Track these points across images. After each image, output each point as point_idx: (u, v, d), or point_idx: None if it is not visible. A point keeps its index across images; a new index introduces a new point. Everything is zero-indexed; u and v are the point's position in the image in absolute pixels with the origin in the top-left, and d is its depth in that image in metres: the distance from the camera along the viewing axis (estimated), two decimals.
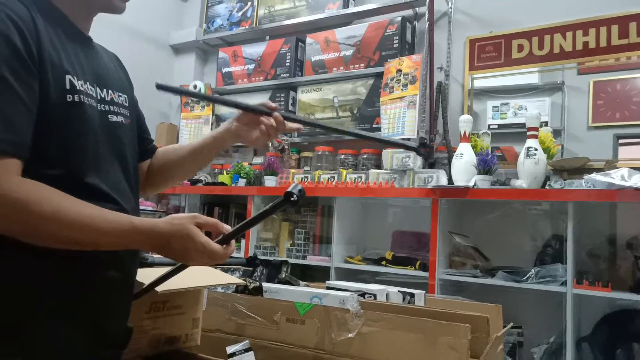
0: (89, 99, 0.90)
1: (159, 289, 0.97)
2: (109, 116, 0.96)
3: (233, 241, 0.93)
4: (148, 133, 1.18)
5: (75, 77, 0.87)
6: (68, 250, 0.83)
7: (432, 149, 1.01)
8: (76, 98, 0.86)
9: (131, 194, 0.99)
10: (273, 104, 1.14)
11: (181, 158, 1.16)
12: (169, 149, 1.20)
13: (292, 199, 0.87)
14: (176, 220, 0.87)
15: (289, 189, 0.87)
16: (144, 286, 1.00)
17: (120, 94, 1.01)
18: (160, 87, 1.03)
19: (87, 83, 0.91)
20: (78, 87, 0.87)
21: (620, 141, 2.44)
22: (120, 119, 0.99)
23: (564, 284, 2.11)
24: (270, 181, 3.04)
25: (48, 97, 0.82)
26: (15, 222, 0.77)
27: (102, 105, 0.95)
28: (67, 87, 0.85)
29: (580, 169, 2.25)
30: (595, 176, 2.07)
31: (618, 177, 2.01)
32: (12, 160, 0.77)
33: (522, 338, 2.35)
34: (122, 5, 0.99)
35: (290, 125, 1.14)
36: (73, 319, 0.86)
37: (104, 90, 0.96)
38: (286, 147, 3.18)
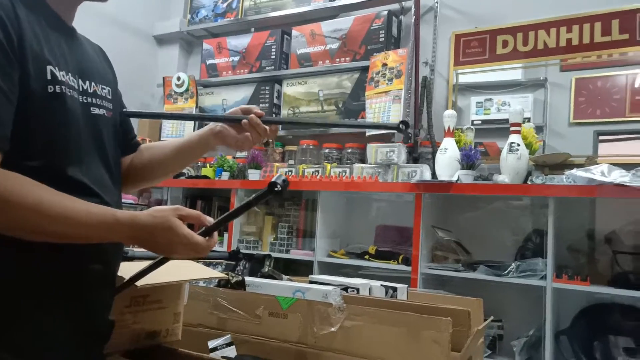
0: (71, 90, 0.88)
1: (139, 283, 0.96)
2: (91, 108, 0.94)
3: (216, 233, 0.92)
4: (131, 127, 1.16)
5: (56, 68, 0.86)
6: (51, 244, 0.81)
7: (412, 130, 1.02)
8: (57, 89, 0.85)
9: (113, 187, 0.98)
10: (251, 107, 1.11)
11: (165, 156, 1.14)
12: (152, 147, 1.17)
13: (275, 189, 0.86)
14: (158, 212, 0.86)
15: (273, 179, 0.87)
16: (125, 280, 0.98)
17: (103, 86, 0.99)
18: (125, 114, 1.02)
19: (69, 74, 0.89)
20: (59, 78, 0.86)
21: (601, 137, 2.48)
22: (102, 111, 0.97)
23: (543, 278, 2.14)
24: (254, 175, 3.02)
25: (28, 87, 0.81)
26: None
27: (84, 97, 0.93)
28: (49, 77, 0.84)
29: (562, 164, 2.28)
30: (576, 172, 2.10)
31: (598, 172, 2.04)
32: None
33: (503, 331, 2.38)
34: None
35: (268, 127, 1.10)
36: (57, 312, 0.85)
37: (87, 82, 0.94)
38: (270, 140, 3.16)
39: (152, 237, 0.85)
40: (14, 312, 0.80)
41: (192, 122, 3.50)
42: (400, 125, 1.04)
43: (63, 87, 0.86)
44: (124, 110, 1.09)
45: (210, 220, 0.92)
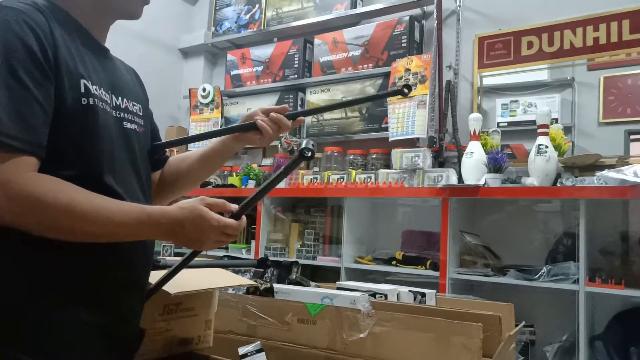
0: (103, 104, 0.92)
1: (172, 291, 0.98)
2: (124, 123, 0.98)
3: (244, 216, 0.94)
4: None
5: (89, 82, 0.90)
6: (75, 248, 0.84)
7: (410, 89, 1.08)
8: (91, 101, 0.89)
9: (145, 200, 1.01)
10: (270, 107, 1.15)
11: (190, 165, 1.18)
12: (178, 158, 1.21)
13: (306, 154, 0.87)
14: (186, 204, 0.89)
15: (303, 146, 0.88)
16: (160, 278, 1.00)
17: (134, 103, 1.03)
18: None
19: (102, 89, 0.93)
20: (92, 91, 0.90)
21: (632, 137, 2.42)
22: (134, 126, 1.01)
23: (576, 281, 2.09)
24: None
25: (64, 100, 0.85)
26: (31, 216, 0.79)
27: (117, 112, 0.97)
28: (82, 90, 0.88)
29: (592, 165, 2.23)
30: (607, 173, 2.05)
31: (630, 173, 1.99)
32: (28, 158, 0.80)
33: (535, 337, 2.33)
34: (140, 10, 1.01)
35: (289, 122, 1.14)
36: (80, 316, 0.87)
37: (119, 98, 0.98)
38: (295, 148, 3.19)
39: (182, 229, 0.87)
40: (34, 314, 0.82)
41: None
42: (404, 89, 1.07)
43: (96, 100, 0.90)
44: (156, 143, 1.14)
45: (235, 207, 0.93)
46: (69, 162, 0.86)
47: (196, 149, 1.26)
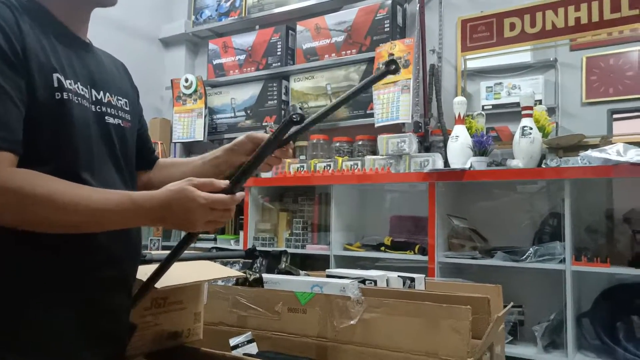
0: (80, 99, 0.90)
1: (158, 285, 0.97)
2: (105, 117, 0.96)
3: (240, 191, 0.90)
4: (150, 143, 1.18)
5: (63, 76, 0.87)
6: (57, 245, 0.83)
7: (398, 68, 1.02)
8: (65, 96, 0.87)
9: None
10: (256, 134, 1.10)
11: (183, 174, 1.15)
12: (169, 165, 1.19)
13: (294, 119, 0.88)
14: (172, 185, 0.86)
15: (291, 112, 0.88)
16: (153, 272, 0.99)
17: (120, 97, 1.01)
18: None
19: (78, 83, 0.91)
20: (66, 86, 0.87)
21: (615, 116, 2.44)
22: (117, 121, 0.99)
23: (562, 261, 2.12)
24: (266, 173, 3.03)
25: (36, 95, 0.83)
26: (12, 210, 0.78)
27: (97, 106, 0.95)
28: (55, 84, 0.86)
29: (576, 146, 2.25)
30: (591, 153, 2.07)
31: (614, 152, 2.01)
32: (5, 154, 0.78)
33: (523, 317, 2.37)
34: None
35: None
36: (67, 314, 0.86)
37: (100, 92, 0.96)
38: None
39: (170, 211, 0.84)
40: (19, 313, 0.82)
41: (203, 123, 3.51)
42: (391, 67, 1.02)
43: (70, 94, 0.88)
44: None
45: (224, 183, 0.88)
46: (44, 158, 0.84)
47: (187, 159, 1.24)
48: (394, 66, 1.00)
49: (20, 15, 0.85)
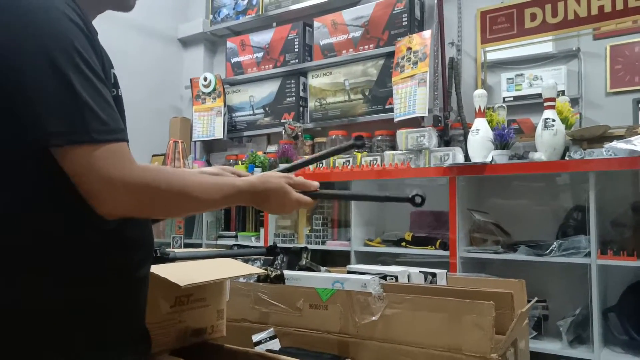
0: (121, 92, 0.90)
1: (182, 283, 0.98)
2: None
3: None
4: None
5: (115, 71, 0.87)
6: (114, 248, 0.83)
7: (364, 144, 1.21)
8: (119, 92, 0.87)
9: None
10: (226, 168, 1.18)
11: None
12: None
13: (416, 202, 1.05)
14: (273, 179, 0.99)
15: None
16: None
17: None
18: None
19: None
20: (118, 82, 0.87)
21: None
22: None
23: (587, 255, 2.08)
24: None
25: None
26: (152, 205, 0.81)
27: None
28: (112, 81, 0.85)
29: (600, 137, 2.20)
30: (616, 144, 2.02)
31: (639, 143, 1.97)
32: (126, 146, 0.78)
33: (547, 311, 2.33)
34: (133, 2, 0.98)
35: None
36: (115, 316, 0.85)
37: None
38: (299, 133, 3.17)
39: (267, 200, 0.98)
40: (75, 317, 0.80)
41: (222, 121, 3.54)
42: (358, 142, 1.20)
43: (120, 91, 0.87)
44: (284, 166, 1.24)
45: (314, 184, 1.06)
46: None
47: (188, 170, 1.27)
48: (360, 142, 1.19)
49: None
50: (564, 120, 2.30)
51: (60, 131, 0.72)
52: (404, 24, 2.93)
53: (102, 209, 0.76)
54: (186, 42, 4.02)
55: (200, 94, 3.67)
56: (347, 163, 2.81)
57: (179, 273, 1.03)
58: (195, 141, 3.73)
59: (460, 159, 2.48)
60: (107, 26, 1.03)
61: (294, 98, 3.35)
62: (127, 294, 0.88)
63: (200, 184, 0.87)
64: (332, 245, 2.82)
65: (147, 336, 0.97)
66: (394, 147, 2.82)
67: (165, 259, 1.17)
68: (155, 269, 1.01)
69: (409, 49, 2.78)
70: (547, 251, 2.18)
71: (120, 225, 0.82)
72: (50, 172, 0.75)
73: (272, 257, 1.70)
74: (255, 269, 1.31)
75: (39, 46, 0.72)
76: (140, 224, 0.90)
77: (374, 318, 1.19)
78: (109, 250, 0.83)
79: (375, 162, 2.72)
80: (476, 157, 2.39)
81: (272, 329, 1.25)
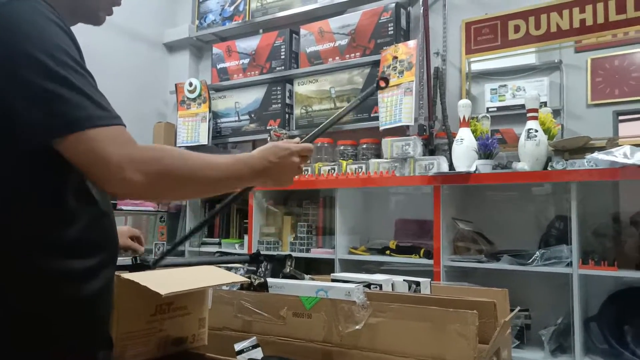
0: None
1: (162, 292, 0.96)
2: None
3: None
4: None
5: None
6: (87, 253, 0.85)
7: (387, 82, 1.28)
8: None
9: None
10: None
11: None
12: None
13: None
14: (262, 147, 1.04)
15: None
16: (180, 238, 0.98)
17: None
18: None
19: None
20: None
21: (621, 118, 2.43)
22: None
23: (569, 264, 2.10)
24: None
25: None
26: (164, 187, 0.85)
27: None
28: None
29: (582, 148, 2.24)
30: (598, 155, 2.06)
31: (620, 154, 2.00)
32: (125, 130, 0.82)
33: (530, 321, 2.35)
34: (103, 18, 1.02)
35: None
36: (73, 324, 0.85)
37: None
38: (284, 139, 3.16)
39: (269, 161, 1.02)
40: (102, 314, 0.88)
41: (207, 127, 3.52)
42: (380, 83, 1.23)
43: None
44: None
45: (297, 140, 1.13)
46: None
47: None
48: (385, 84, 1.22)
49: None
50: (547, 131, 2.34)
51: (64, 121, 0.75)
52: (390, 33, 2.95)
53: (114, 190, 0.81)
54: (172, 47, 3.99)
55: (185, 99, 3.64)
56: (332, 171, 2.81)
57: (160, 281, 1.00)
58: (179, 147, 3.69)
59: (445, 168, 2.50)
60: (92, 29, 1.02)
61: (279, 105, 3.35)
62: (85, 301, 0.86)
63: (209, 162, 0.90)
64: (316, 253, 2.81)
65: (109, 343, 0.95)
66: (379, 155, 2.83)
67: (145, 266, 1.15)
68: (136, 276, 0.99)
69: (395, 57, 2.80)
70: (530, 260, 2.20)
71: (83, 229, 0.83)
72: (10, 177, 0.77)
73: (255, 265, 1.68)
74: (238, 277, 1.29)
75: (31, 47, 0.76)
76: (103, 227, 0.89)
77: (357, 327, 1.18)
78: (67, 255, 0.82)
79: (360, 170, 2.73)
80: (460, 166, 2.41)
81: (254, 337, 1.23)
